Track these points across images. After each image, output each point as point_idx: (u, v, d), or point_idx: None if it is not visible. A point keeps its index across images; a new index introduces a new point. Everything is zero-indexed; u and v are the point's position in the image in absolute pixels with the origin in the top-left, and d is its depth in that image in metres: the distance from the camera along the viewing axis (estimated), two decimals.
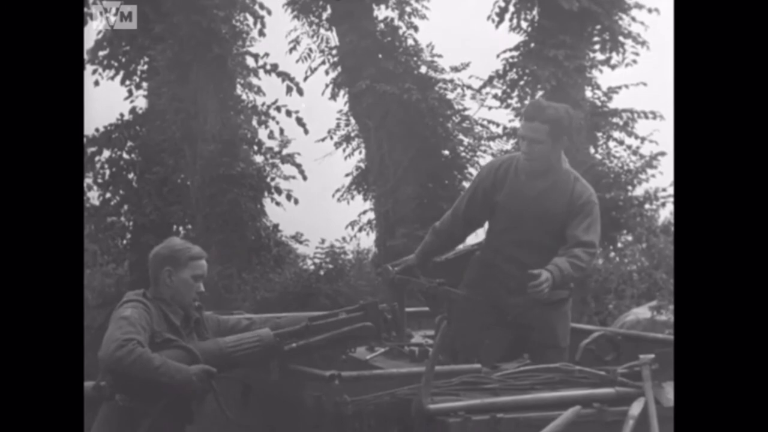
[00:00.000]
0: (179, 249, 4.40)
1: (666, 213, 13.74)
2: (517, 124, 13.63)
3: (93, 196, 15.00)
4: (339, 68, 14.01)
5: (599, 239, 5.08)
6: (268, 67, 14.23)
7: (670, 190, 12.78)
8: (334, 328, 4.51)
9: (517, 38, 13.70)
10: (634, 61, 13.59)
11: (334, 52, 14.07)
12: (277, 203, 14.16)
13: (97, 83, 14.77)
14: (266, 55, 14.23)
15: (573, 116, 5.07)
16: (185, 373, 4.08)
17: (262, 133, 14.28)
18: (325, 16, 14.12)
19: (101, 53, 14.85)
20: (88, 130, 14.65)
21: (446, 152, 13.96)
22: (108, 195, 15.11)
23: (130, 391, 4.12)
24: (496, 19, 13.66)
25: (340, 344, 4.54)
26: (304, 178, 14.10)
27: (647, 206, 13.20)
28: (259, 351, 4.35)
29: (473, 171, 14.03)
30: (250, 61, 14.23)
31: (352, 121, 14.31)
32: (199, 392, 4.16)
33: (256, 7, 14.20)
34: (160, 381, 4.04)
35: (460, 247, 5.49)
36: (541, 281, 4.71)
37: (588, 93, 13.68)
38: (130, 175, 15.18)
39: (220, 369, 4.22)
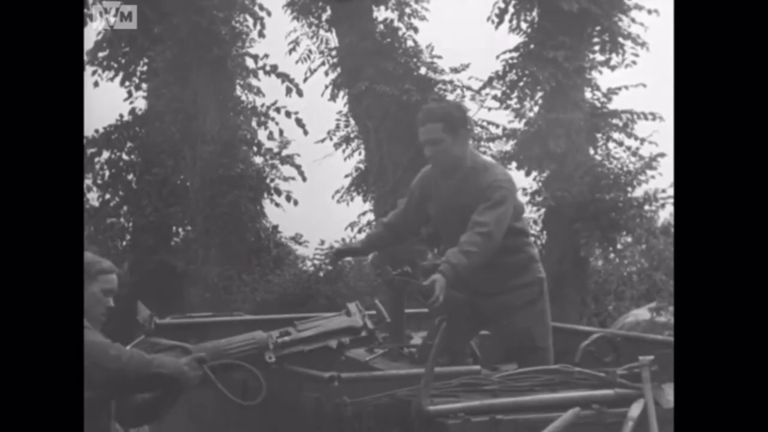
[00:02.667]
0: (89, 262, 4.29)
1: (666, 214, 13.74)
2: (517, 125, 13.67)
3: (92, 197, 15.01)
4: (338, 69, 14.02)
5: (501, 220, 4.87)
6: (267, 68, 14.25)
7: (670, 192, 12.78)
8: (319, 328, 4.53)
9: (517, 39, 13.73)
10: (634, 62, 13.61)
11: (333, 53, 14.08)
12: (277, 204, 14.18)
13: (96, 84, 14.78)
14: (266, 56, 14.26)
15: (464, 109, 5.10)
16: (177, 365, 4.07)
17: (262, 134, 14.32)
18: (324, 17, 14.13)
19: (101, 54, 14.85)
20: (88, 131, 14.67)
21: None
22: (107, 196, 15.11)
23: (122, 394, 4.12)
24: (496, 20, 13.67)
25: (323, 340, 4.53)
26: (304, 179, 14.11)
27: (647, 207, 13.19)
28: (253, 351, 4.34)
29: None
30: (249, 62, 14.26)
31: (352, 122, 14.32)
32: (193, 381, 4.13)
33: (256, 8, 14.22)
34: (156, 373, 4.02)
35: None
36: (436, 294, 4.60)
37: (588, 94, 13.69)
38: (130, 177, 15.18)
39: (213, 370, 4.21)
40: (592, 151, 13.61)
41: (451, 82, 13.90)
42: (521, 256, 5.09)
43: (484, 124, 14.04)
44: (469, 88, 13.92)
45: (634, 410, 3.74)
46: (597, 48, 13.59)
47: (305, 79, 14.20)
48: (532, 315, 5.10)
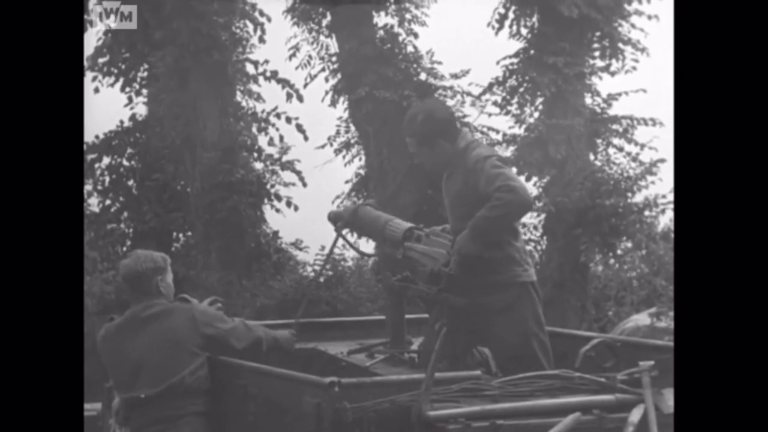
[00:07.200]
0: (162, 258, 5.17)
1: (666, 220, 13.76)
2: (517, 130, 13.68)
3: (93, 203, 15.00)
4: (339, 75, 14.02)
5: (512, 175, 4.97)
6: (267, 73, 14.25)
7: (670, 197, 12.80)
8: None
9: (517, 45, 13.76)
10: (634, 68, 13.62)
11: (333, 59, 14.09)
12: (277, 210, 14.16)
13: (97, 90, 14.78)
14: (266, 61, 14.26)
15: (437, 119, 5.24)
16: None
17: (262, 140, 14.31)
18: (324, 23, 14.14)
19: (101, 60, 14.85)
20: (88, 136, 14.65)
21: None
22: (108, 202, 15.11)
23: None
24: (496, 26, 13.70)
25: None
26: (304, 184, 14.11)
27: (647, 213, 13.21)
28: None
29: None
30: (249, 68, 14.25)
31: (352, 127, 14.32)
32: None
33: (256, 13, 14.22)
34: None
35: None
36: (455, 251, 4.87)
37: (588, 100, 13.71)
38: (130, 182, 15.18)
39: None
40: (592, 157, 13.63)
41: (451, 87, 13.91)
42: (501, 254, 4.98)
43: (485, 129, 14.05)
44: (469, 94, 13.93)
45: (635, 415, 3.74)
46: (597, 53, 13.61)
47: (305, 85, 14.22)
48: (507, 321, 4.91)
